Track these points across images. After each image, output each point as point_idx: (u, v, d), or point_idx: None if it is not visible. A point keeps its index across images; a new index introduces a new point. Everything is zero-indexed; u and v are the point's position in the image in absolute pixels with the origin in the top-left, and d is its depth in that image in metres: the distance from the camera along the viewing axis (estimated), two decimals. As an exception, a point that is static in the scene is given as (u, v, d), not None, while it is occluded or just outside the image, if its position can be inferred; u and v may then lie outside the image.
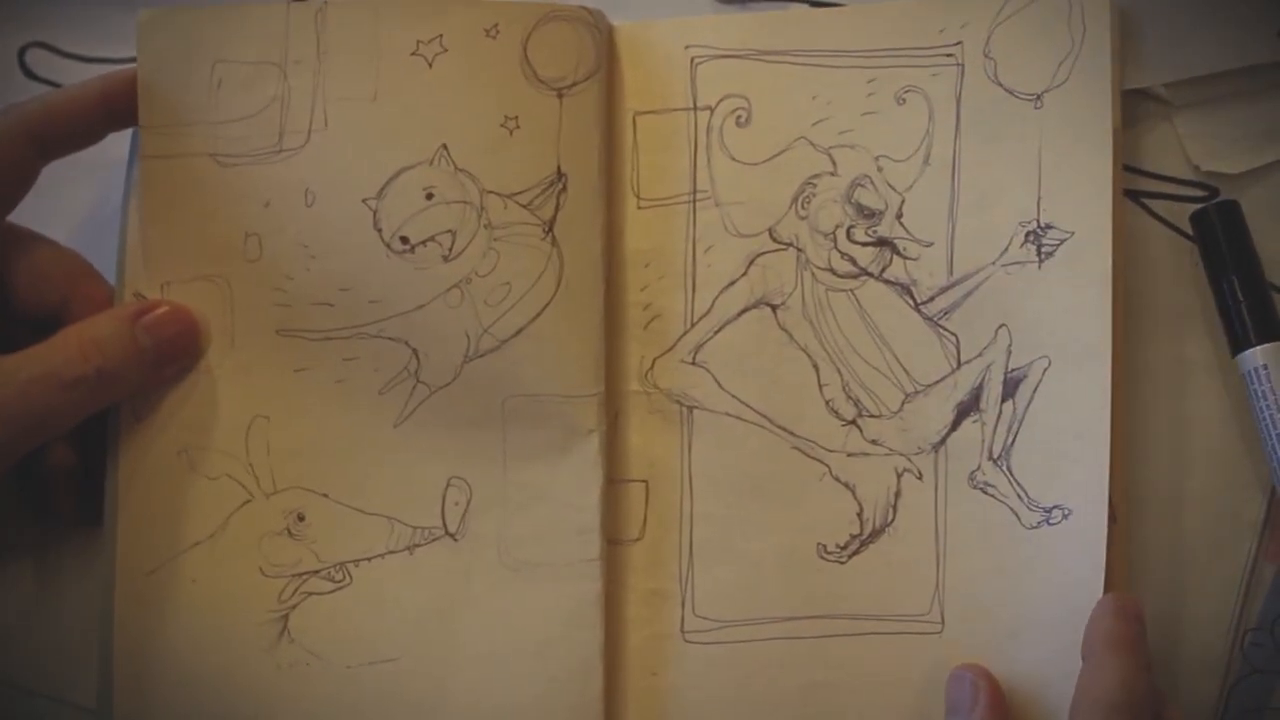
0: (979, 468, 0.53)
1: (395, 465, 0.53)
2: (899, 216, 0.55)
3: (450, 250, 0.53)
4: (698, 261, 0.55)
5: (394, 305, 0.53)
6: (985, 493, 0.53)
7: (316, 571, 0.53)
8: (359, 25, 0.54)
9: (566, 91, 0.54)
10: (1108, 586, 0.50)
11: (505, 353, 0.53)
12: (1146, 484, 0.54)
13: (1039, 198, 0.53)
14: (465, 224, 0.53)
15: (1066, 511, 0.51)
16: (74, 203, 0.57)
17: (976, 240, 0.54)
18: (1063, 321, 0.52)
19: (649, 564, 0.54)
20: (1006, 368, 0.53)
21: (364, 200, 0.53)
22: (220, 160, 0.54)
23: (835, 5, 0.57)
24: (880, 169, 0.55)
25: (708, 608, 0.54)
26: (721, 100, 0.56)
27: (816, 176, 0.55)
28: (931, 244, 0.54)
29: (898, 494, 0.54)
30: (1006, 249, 0.53)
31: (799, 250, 0.55)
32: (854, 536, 0.54)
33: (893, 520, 0.54)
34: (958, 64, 0.55)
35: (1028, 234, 0.53)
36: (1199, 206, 0.55)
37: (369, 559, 0.53)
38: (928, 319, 0.54)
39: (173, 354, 0.53)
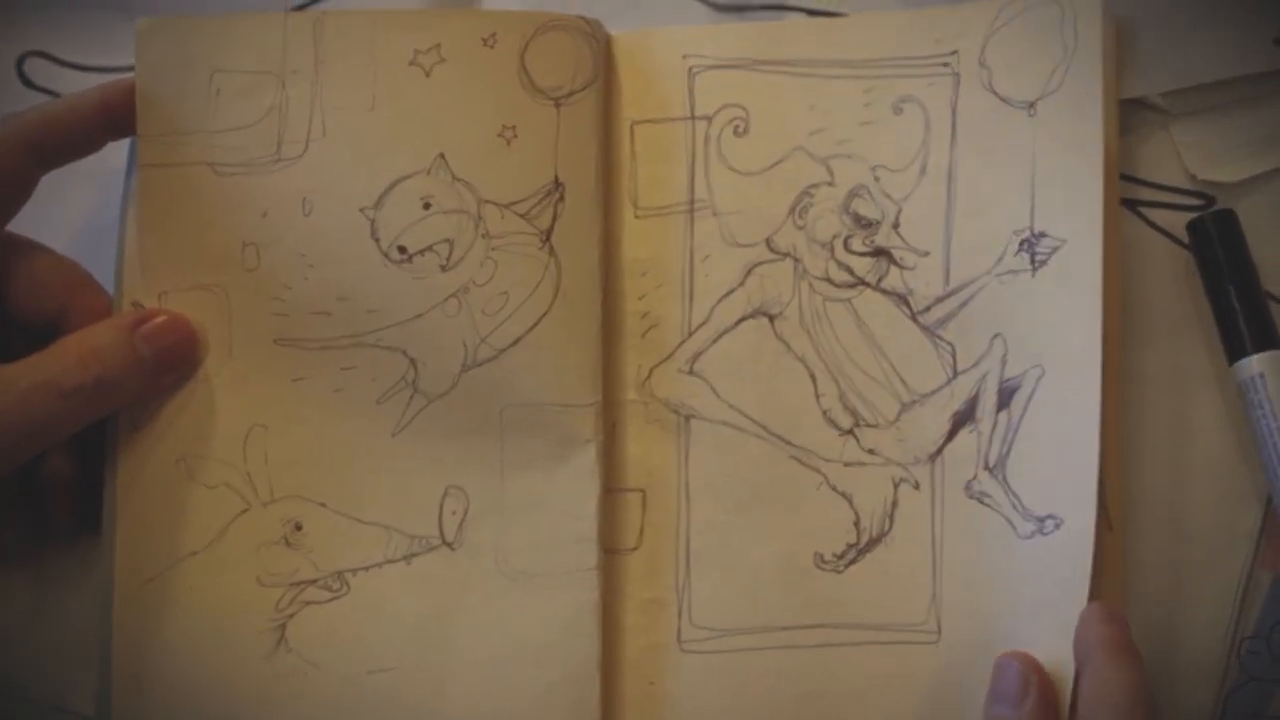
0: (975, 477, 0.53)
1: (393, 474, 0.53)
2: (896, 226, 0.55)
3: (448, 260, 0.53)
4: (695, 271, 0.55)
5: (392, 315, 0.53)
6: (981, 503, 0.53)
7: (314, 580, 0.53)
8: (356, 35, 0.54)
9: (564, 101, 0.54)
10: (1105, 595, 0.50)
11: (503, 362, 0.53)
12: (1143, 492, 0.54)
13: (1033, 206, 0.53)
14: (463, 233, 0.53)
15: (1059, 521, 0.51)
16: (73, 211, 0.57)
17: (972, 249, 0.54)
18: (1056, 330, 0.52)
19: (646, 573, 0.54)
20: (1001, 377, 0.53)
21: (361, 210, 0.53)
22: (218, 169, 0.54)
23: (833, 15, 0.57)
24: (877, 179, 0.55)
25: (705, 617, 0.54)
26: (719, 110, 0.56)
27: (814, 186, 0.55)
28: (928, 254, 0.54)
29: (894, 503, 0.54)
30: (1001, 258, 0.53)
31: (796, 260, 0.55)
32: (851, 546, 0.54)
33: (889, 530, 0.54)
34: (953, 73, 0.55)
35: (1021, 243, 0.53)
36: (1196, 215, 0.55)
37: (366, 568, 0.53)
38: (924, 329, 0.54)
39: (171, 363, 0.53)
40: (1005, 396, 0.53)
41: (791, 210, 0.55)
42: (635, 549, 0.54)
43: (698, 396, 0.55)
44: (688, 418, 0.55)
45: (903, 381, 0.54)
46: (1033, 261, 0.53)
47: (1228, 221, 0.54)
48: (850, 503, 0.54)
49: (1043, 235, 0.53)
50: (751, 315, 0.55)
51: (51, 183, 0.53)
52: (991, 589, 0.52)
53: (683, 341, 0.55)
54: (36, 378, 0.50)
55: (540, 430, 0.53)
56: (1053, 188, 0.53)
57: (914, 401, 0.54)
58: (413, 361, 0.54)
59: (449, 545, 0.53)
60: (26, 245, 0.53)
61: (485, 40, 0.54)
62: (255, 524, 0.53)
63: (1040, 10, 0.54)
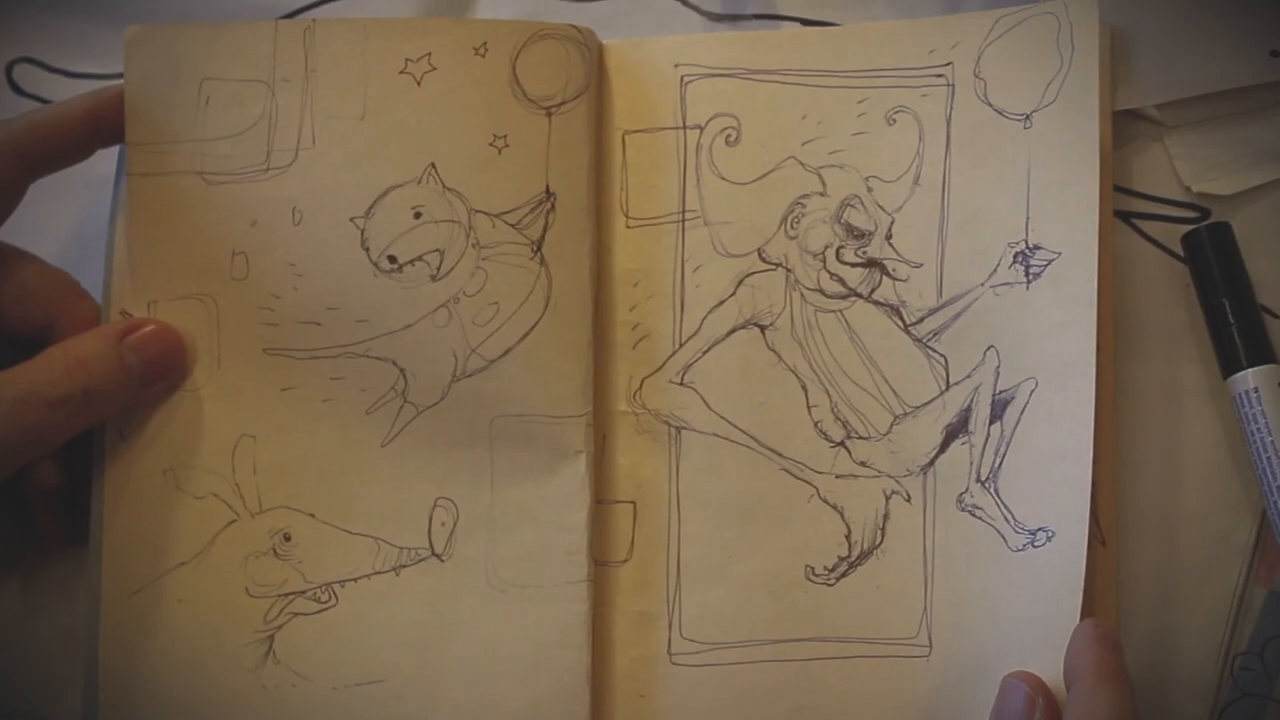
0: (967, 490, 0.53)
1: (382, 485, 0.53)
2: (888, 237, 0.54)
3: (438, 270, 0.53)
4: (686, 281, 0.55)
5: (381, 324, 0.53)
6: (973, 515, 0.52)
7: (303, 592, 0.53)
8: (347, 43, 0.54)
9: (555, 110, 0.54)
10: (1098, 610, 0.50)
11: (493, 373, 0.53)
12: (1137, 506, 0.54)
13: (1028, 218, 0.53)
14: (453, 243, 0.53)
15: (1050, 534, 0.50)
16: (62, 219, 0.57)
17: (966, 261, 0.54)
18: (1050, 343, 0.52)
19: (636, 585, 0.54)
20: (995, 389, 0.53)
21: (352, 219, 0.53)
22: (207, 178, 0.53)
23: (827, 25, 0.56)
24: (870, 189, 0.55)
25: (695, 630, 0.53)
26: (711, 119, 0.55)
27: (806, 196, 0.55)
28: (921, 265, 0.54)
29: (886, 516, 0.53)
30: (995, 270, 0.53)
31: (788, 270, 0.55)
32: (842, 559, 0.53)
33: (881, 542, 0.53)
34: (948, 84, 0.54)
35: (1016, 255, 0.53)
36: (1190, 228, 0.54)
37: (355, 579, 0.53)
38: (917, 340, 0.54)
39: (159, 372, 0.53)
40: (998, 409, 0.53)
41: (783, 220, 0.55)
42: (625, 561, 0.54)
43: (689, 408, 0.54)
44: (679, 429, 0.54)
45: (895, 393, 0.54)
46: (1027, 274, 0.53)
47: (1222, 234, 0.54)
48: (841, 515, 0.54)
49: (1037, 248, 0.52)
50: (743, 326, 0.55)
51: (40, 191, 0.53)
52: (982, 602, 0.52)
53: (674, 352, 0.55)
54: (23, 388, 0.50)
55: (531, 441, 0.53)
56: (1048, 200, 0.52)
57: (906, 413, 0.54)
58: (402, 372, 0.53)
59: (438, 557, 0.53)
60: (14, 254, 0.53)
61: (476, 49, 0.53)
62: (243, 534, 0.53)
63: (1036, 22, 0.53)
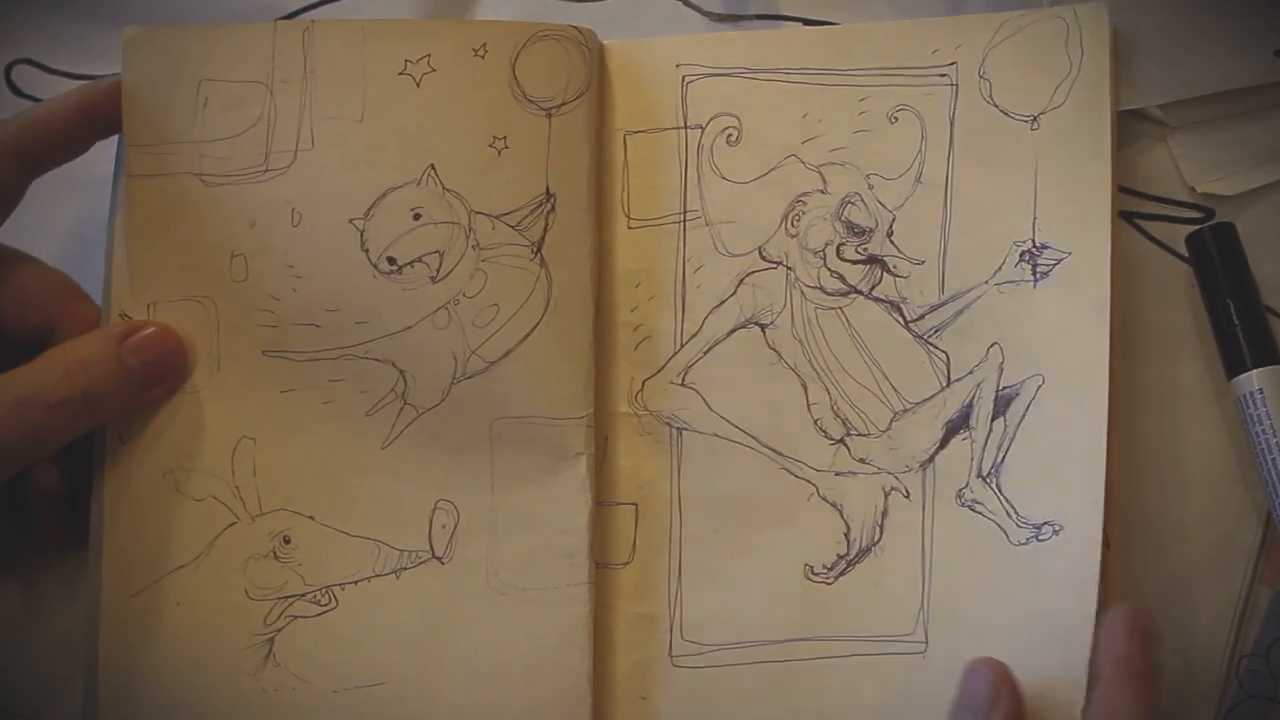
0: (966, 485, 0.53)
1: (382, 487, 0.53)
2: (889, 235, 0.54)
3: (438, 271, 0.53)
4: (687, 281, 0.55)
5: (381, 326, 0.53)
6: (973, 510, 0.52)
7: (302, 594, 0.53)
8: (346, 45, 0.53)
9: (555, 111, 0.53)
10: (1101, 606, 0.49)
11: (493, 374, 0.53)
12: (1141, 508, 0.53)
13: (1034, 218, 0.53)
14: (453, 245, 0.53)
15: (1057, 527, 0.50)
16: (62, 220, 0.57)
17: (969, 259, 0.53)
18: (1058, 342, 0.52)
19: (638, 588, 0.54)
20: (998, 385, 0.53)
21: (351, 220, 0.53)
22: (206, 180, 0.53)
23: (828, 25, 0.56)
24: (871, 187, 0.54)
25: (696, 631, 0.53)
26: (712, 119, 0.55)
27: (806, 194, 0.55)
28: (922, 262, 0.54)
29: (884, 513, 0.53)
30: (1000, 268, 0.53)
31: (788, 268, 0.55)
32: (841, 557, 0.53)
33: (879, 540, 0.53)
34: (952, 84, 0.54)
35: (1022, 253, 0.53)
36: (1194, 228, 0.54)
37: (355, 582, 0.53)
38: (917, 337, 0.54)
39: (159, 375, 0.53)
40: (1002, 404, 0.53)
41: (784, 218, 0.55)
42: (627, 563, 0.54)
43: (690, 409, 0.54)
44: (680, 430, 0.54)
45: (895, 390, 0.54)
46: (1034, 273, 0.52)
47: (1227, 235, 0.54)
48: (840, 513, 0.53)
49: (1045, 247, 0.52)
50: (743, 325, 0.55)
51: (40, 191, 0.53)
52: (980, 597, 0.52)
53: (675, 353, 0.55)
54: (23, 391, 0.49)
55: (531, 443, 0.53)
56: (1057, 201, 0.52)
57: (906, 409, 0.54)
58: (402, 373, 0.53)
59: (439, 559, 0.53)
60: (14, 257, 0.53)
61: (476, 50, 0.53)
62: (243, 537, 0.53)
63: (1045, 26, 0.53)
